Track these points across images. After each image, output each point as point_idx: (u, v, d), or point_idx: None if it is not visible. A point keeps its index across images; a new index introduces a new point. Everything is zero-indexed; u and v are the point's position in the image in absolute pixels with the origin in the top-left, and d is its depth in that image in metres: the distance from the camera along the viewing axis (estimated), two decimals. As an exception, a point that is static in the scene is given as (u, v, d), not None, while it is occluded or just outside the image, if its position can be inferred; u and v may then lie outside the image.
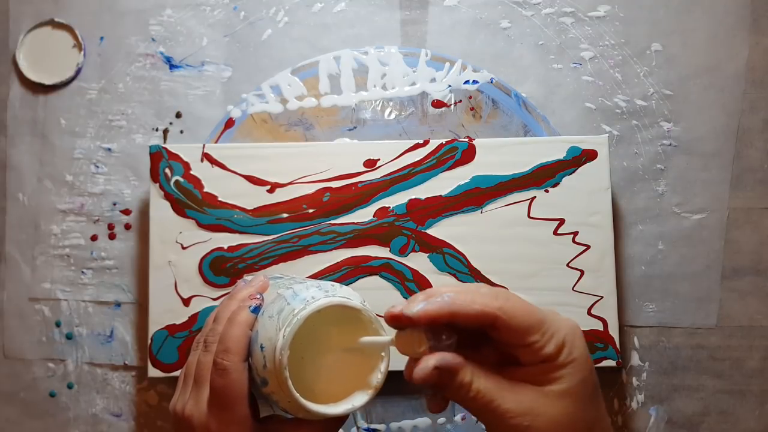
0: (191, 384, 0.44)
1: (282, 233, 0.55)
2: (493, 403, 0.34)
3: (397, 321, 0.36)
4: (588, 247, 0.55)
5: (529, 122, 0.58)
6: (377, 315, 0.51)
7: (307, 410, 0.41)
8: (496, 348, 0.38)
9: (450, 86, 0.58)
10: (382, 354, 0.43)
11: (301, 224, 0.55)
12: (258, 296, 0.46)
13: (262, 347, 0.42)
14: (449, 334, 0.36)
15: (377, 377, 0.42)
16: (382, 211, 0.55)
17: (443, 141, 0.56)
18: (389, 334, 0.42)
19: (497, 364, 0.37)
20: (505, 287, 0.38)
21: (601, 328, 0.54)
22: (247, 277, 0.54)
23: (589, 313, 0.54)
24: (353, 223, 0.55)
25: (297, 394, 0.41)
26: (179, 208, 0.55)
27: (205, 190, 0.55)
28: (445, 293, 0.35)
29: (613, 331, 0.54)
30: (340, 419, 0.44)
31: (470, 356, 0.36)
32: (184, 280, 0.55)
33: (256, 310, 0.45)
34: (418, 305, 0.35)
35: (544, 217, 0.55)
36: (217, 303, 0.54)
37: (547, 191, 0.55)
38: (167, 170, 0.55)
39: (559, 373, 0.34)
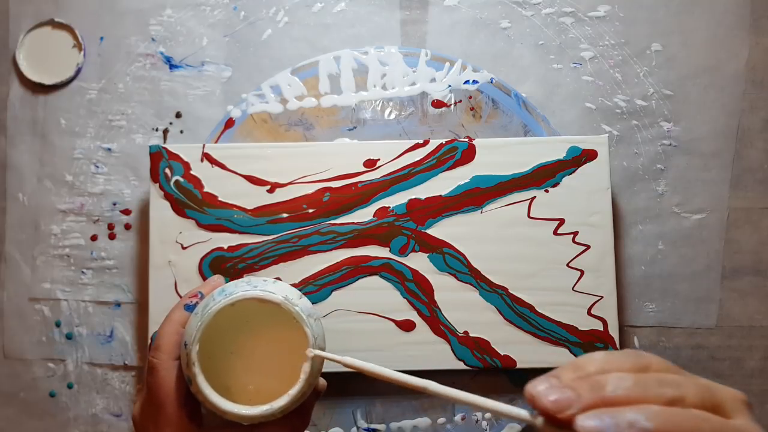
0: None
1: (282, 233, 0.55)
2: None
3: (558, 421, 0.27)
4: (588, 247, 0.55)
5: (529, 122, 0.58)
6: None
7: (220, 410, 0.40)
8: None
9: (450, 86, 0.58)
10: (308, 352, 0.41)
11: (301, 224, 0.55)
12: (198, 294, 0.45)
13: (185, 345, 0.42)
14: None
15: (301, 378, 0.41)
16: (382, 211, 0.55)
17: (443, 141, 0.56)
18: (311, 330, 0.41)
19: None
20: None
21: (601, 328, 0.54)
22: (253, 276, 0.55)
23: (589, 313, 0.54)
24: (353, 223, 0.55)
25: (207, 391, 0.40)
26: (179, 208, 0.55)
27: (205, 190, 0.55)
28: (639, 413, 0.26)
29: (613, 331, 0.54)
30: (300, 421, 0.43)
31: None
32: (184, 280, 0.55)
33: (190, 308, 0.44)
34: (602, 420, 0.26)
35: (544, 217, 0.55)
36: (217, 303, 0.54)
37: (547, 191, 0.55)
38: (167, 170, 0.55)
39: None
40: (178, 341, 0.43)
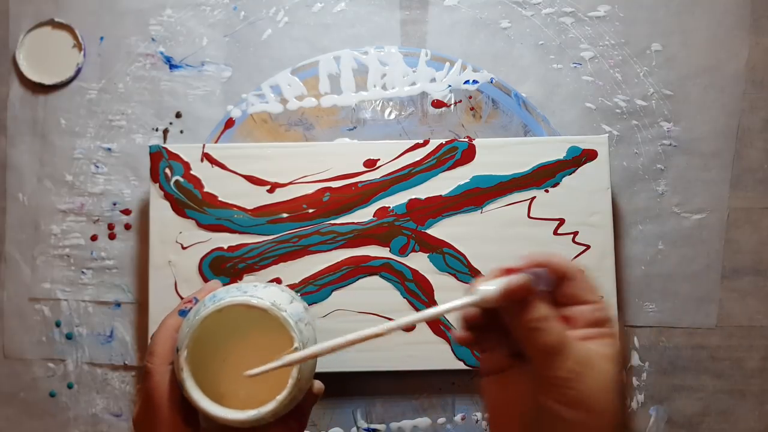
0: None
1: (282, 233, 0.55)
2: (562, 347, 0.33)
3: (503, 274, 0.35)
4: (588, 247, 0.55)
5: (529, 122, 0.58)
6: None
7: (209, 414, 0.40)
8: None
9: (450, 86, 0.58)
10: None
11: (301, 224, 0.55)
12: (193, 300, 0.46)
13: (177, 350, 0.42)
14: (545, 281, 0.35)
15: (289, 383, 0.41)
16: (382, 211, 0.55)
17: (443, 141, 0.56)
18: (298, 335, 0.41)
19: None
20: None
21: (601, 328, 0.54)
22: (253, 278, 0.55)
23: (589, 313, 0.54)
24: (353, 223, 0.55)
25: (195, 395, 0.40)
26: (179, 208, 0.55)
27: (205, 190, 0.55)
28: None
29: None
30: (297, 424, 0.44)
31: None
32: (184, 280, 0.55)
33: (184, 313, 0.44)
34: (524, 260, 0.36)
35: (544, 217, 0.55)
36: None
37: (547, 191, 0.55)
38: (167, 170, 0.55)
39: (606, 339, 0.34)
40: (173, 346, 0.43)
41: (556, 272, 0.36)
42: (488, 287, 0.34)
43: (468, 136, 0.57)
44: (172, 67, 0.59)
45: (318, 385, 0.46)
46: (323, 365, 0.54)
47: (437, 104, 0.58)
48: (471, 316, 0.36)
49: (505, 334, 0.35)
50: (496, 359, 0.36)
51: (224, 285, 0.48)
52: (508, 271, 0.35)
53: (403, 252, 0.55)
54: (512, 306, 0.33)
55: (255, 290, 0.43)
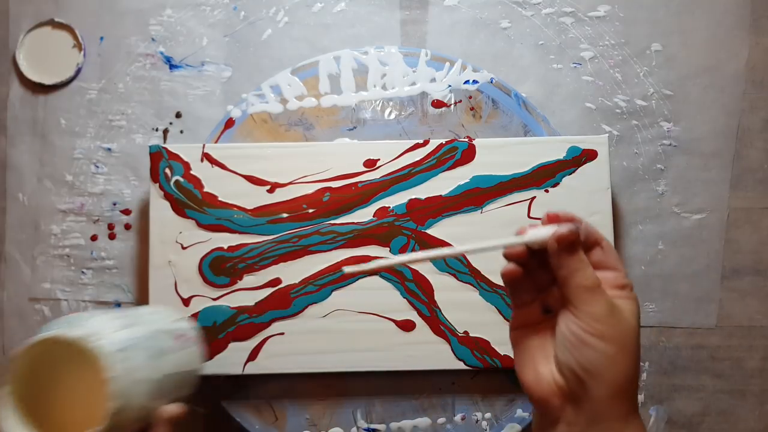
0: None
1: (282, 233, 0.55)
2: (598, 288, 0.37)
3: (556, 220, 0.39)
4: (588, 247, 0.55)
5: (529, 122, 0.58)
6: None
7: None
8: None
9: (450, 86, 0.58)
10: (108, 389, 0.40)
11: (301, 224, 0.55)
12: None
13: None
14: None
15: (104, 415, 0.40)
16: (382, 211, 0.55)
17: (443, 141, 0.56)
18: (112, 366, 0.40)
19: None
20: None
21: (601, 328, 0.54)
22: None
23: (589, 313, 0.54)
24: (353, 223, 0.55)
25: (8, 428, 0.40)
26: (179, 208, 0.55)
27: (205, 190, 0.55)
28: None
29: (613, 331, 0.54)
30: None
31: None
32: (184, 280, 0.55)
33: None
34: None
35: (544, 217, 0.55)
36: (217, 303, 0.54)
37: (547, 191, 0.55)
38: (167, 170, 0.55)
39: (631, 300, 0.38)
40: None
41: (590, 236, 0.39)
42: (540, 230, 0.38)
43: (468, 136, 0.57)
44: (172, 67, 0.59)
45: (170, 409, 0.44)
46: (322, 365, 0.54)
47: (437, 104, 0.58)
48: (517, 254, 0.39)
49: (539, 290, 0.39)
50: (529, 314, 0.40)
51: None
52: (554, 218, 0.39)
53: (403, 252, 0.55)
54: (560, 249, 0.37)
55: (79, 320, 0.42)
